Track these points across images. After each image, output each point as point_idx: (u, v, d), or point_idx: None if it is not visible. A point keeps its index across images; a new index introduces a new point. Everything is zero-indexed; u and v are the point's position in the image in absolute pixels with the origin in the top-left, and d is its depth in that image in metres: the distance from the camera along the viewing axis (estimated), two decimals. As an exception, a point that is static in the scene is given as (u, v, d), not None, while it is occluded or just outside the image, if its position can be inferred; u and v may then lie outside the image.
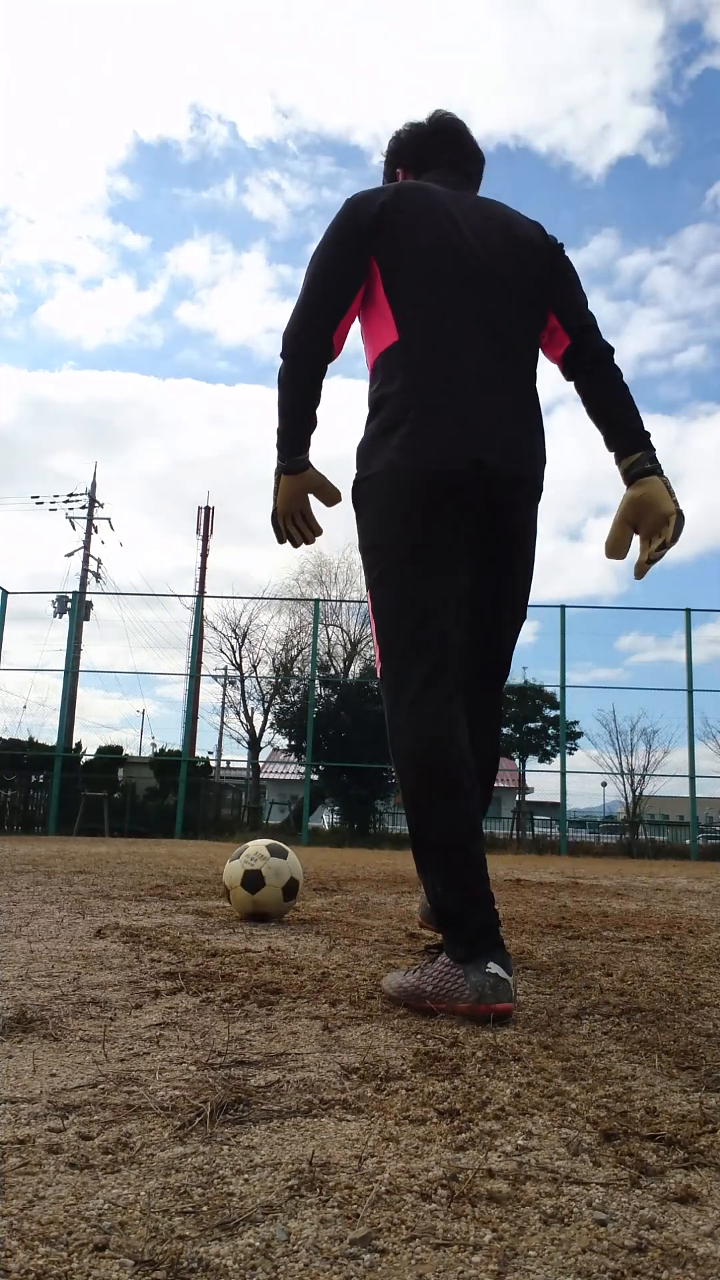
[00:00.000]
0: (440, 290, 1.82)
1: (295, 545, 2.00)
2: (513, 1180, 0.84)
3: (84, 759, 16.74)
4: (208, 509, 27.68)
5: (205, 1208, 0.76)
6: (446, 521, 1.76)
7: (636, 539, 1.82)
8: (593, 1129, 0.98)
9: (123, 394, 65.67)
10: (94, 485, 28.70)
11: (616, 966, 2.11)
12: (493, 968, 1.49)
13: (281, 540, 1.98)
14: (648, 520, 1.79)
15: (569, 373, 1.95)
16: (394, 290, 1.82)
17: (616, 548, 1.82)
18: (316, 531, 1.99)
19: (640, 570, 1.83)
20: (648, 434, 1.85)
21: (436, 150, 2.09)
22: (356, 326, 1.93)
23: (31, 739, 16.25)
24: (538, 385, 1.92)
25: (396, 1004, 1.60)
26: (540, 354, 1.96)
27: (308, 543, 2.00)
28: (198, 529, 27.41)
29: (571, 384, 1.96)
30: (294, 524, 1.96)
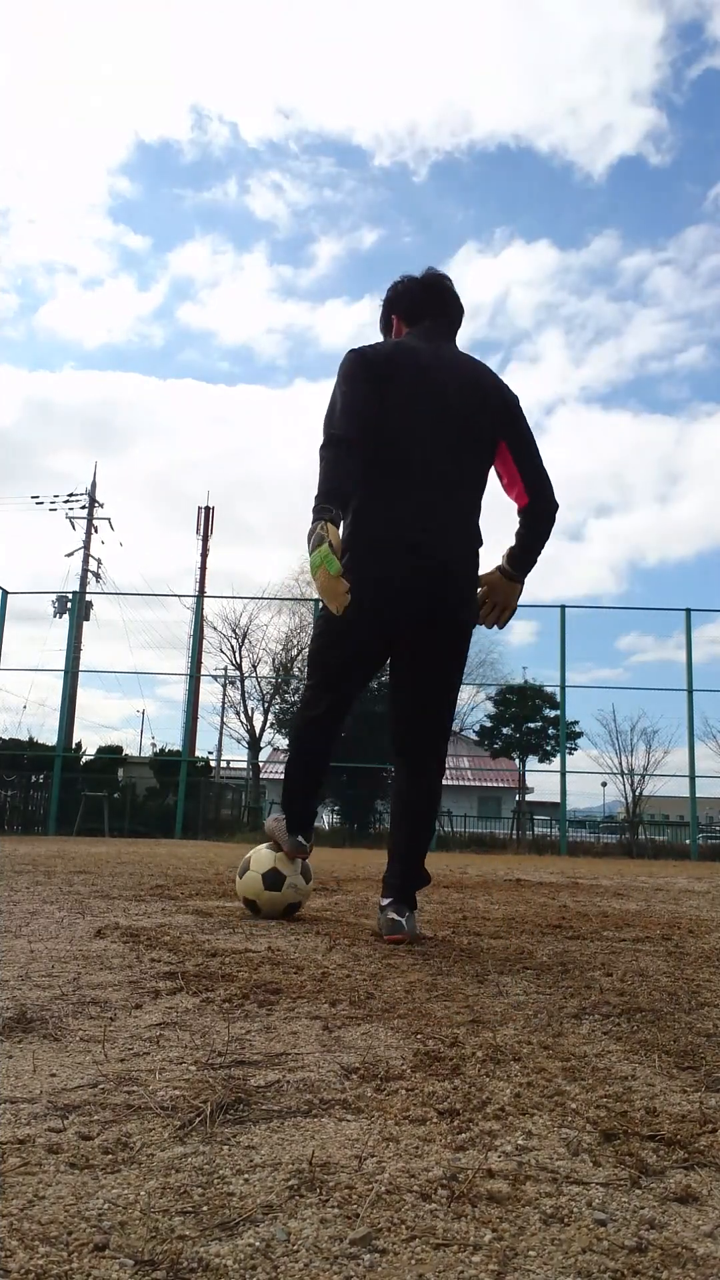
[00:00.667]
0: (413, 431, 2.43)
1: (345, 596, 2.25)
2: (513, 1180, 0.84)
3: (84, 759, 16.74)
4: (208, 509, 27.69)
5: (205, 1208, 0.76)
6: (379, 624, 2.47)
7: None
8: (593, 1129, 0.98)
9: (123, 394, 65.68)
10: (94, 485, 28.72)
11: (616, 966, 2.11)
12: (300, 839, 2.70)
13: (338, 597, 2.23)
14: (499, 596, 2.67)
15: (521, 519, 2.61)
16: (387, 415, 2.40)
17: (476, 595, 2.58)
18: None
19: (486, 622, 2.65)
20: (533, 566, 2.66)
21: (426, 305, 2.62)
22: None
23: (31, 739, 16.27)
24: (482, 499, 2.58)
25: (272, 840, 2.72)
26: (491, 482, 2.59)
27: (347, 598, 2.27)
28: (198, 529, 27.42)
29: (519, 519, 2.62)
30: (340, 589, 2.25)
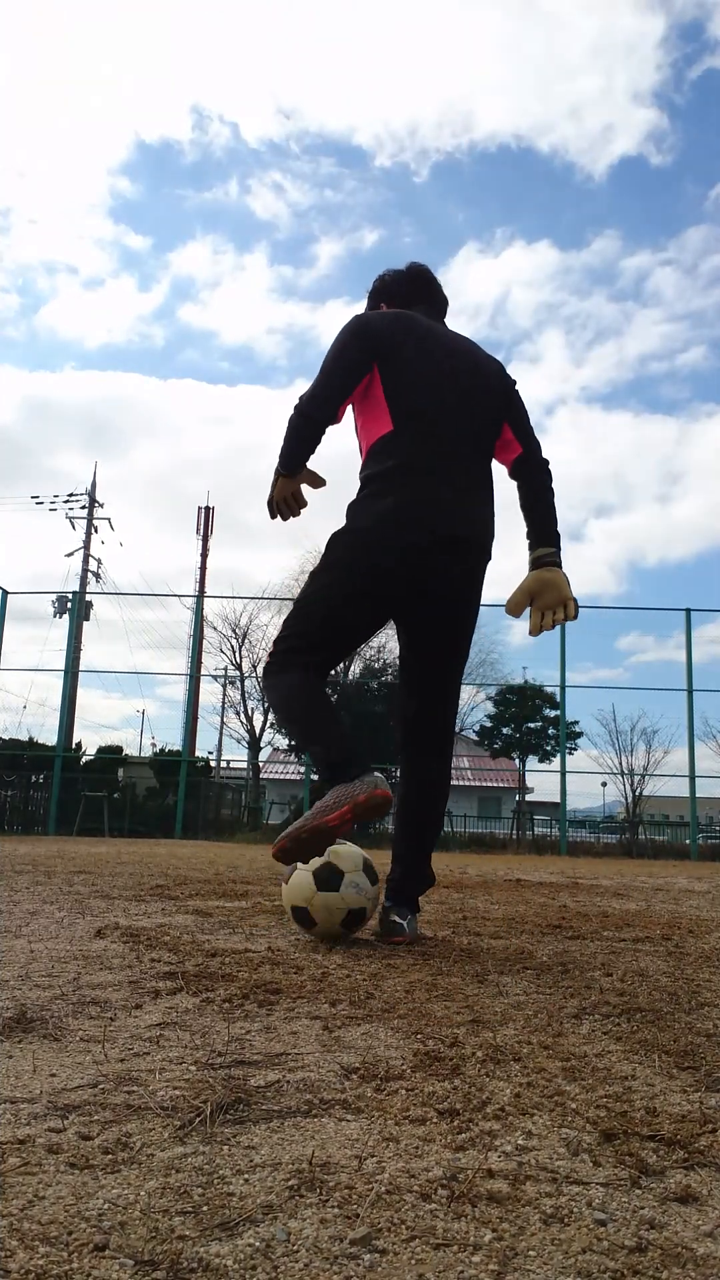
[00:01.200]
0: (424, 398, 2.37)
1: (285, 519, 2.53)
2: (513, 1180, 0.84)
3: (84, 759, 16.74)
4: (208, 509, 27.69)
5: (205, 1208, 0.76)
6: (392, 591, 2.35)
7: (530, 609, 2.42)
8: (593, 1129, 0.98)
9: (124, 394, 65.70)
10: (94, 485, 28.71)
11: (616, 966, 2.11)
12: (375, 772, 2.09)
13: (273, 516, 2.53)
14: (545, 597, 2.41)
15: (515, 475, 2.54)
16: (393, 393, 2.37)
17: (515, 609, 2.42)
18: (303, 504, 2.54)
19: (535, 631, 2.40)
20: (559, 535, 2.49)
21: (413, 295, 2.64)
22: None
23: (31, 739, 16.27)
24: (492, 474, 2.52)
25: (299, 842, 2.08)
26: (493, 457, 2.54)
27: (294, 516, 2.54)
28: (198, 529, 27.42)
29: (515, 481, 2.54)
30: (286, 504, 2.50)
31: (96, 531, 28.39)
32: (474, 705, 25.76)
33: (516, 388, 2.57)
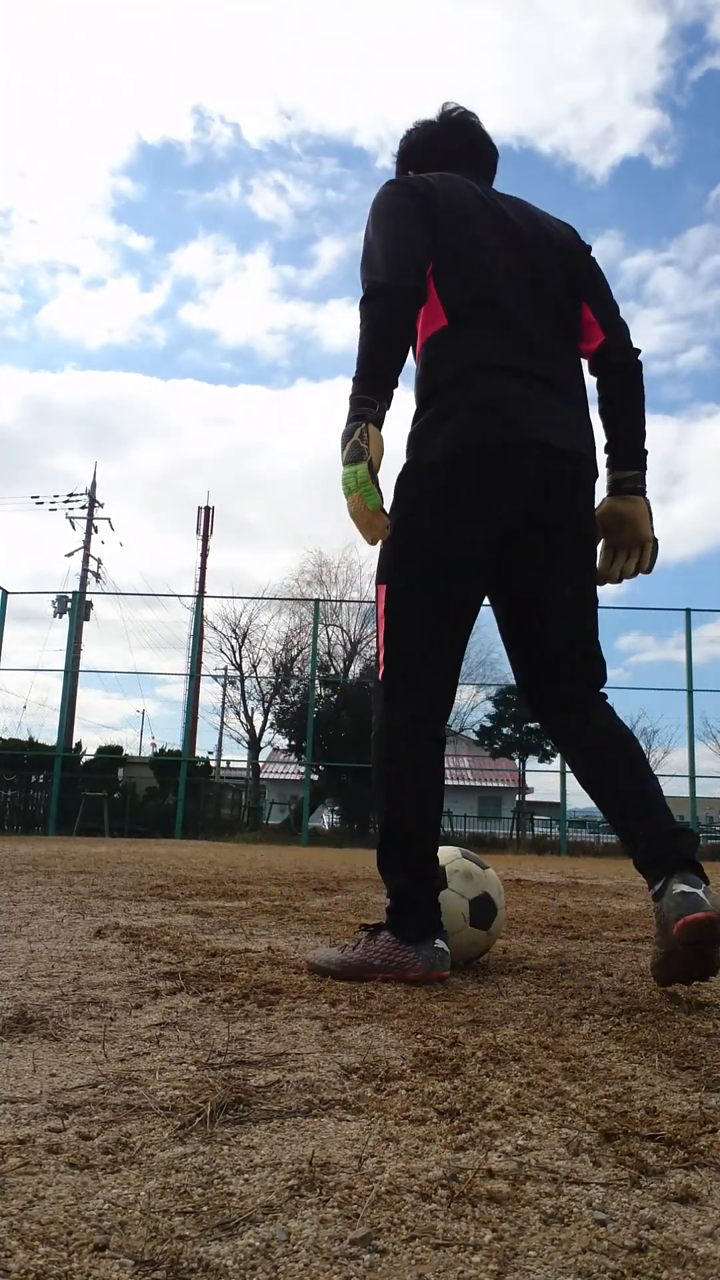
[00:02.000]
0: (486, 279, 1.84)
1: (386, 530, 1.77)
2: (513, 1180, 0.84)
3: (84, 759, 16.74)
4: (208, 509, 27.70)
5: (205, 1208, 0.76)
6: (489, 515, 1.80)
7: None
8: (593, 1129, 0.98)
9: (125, 394, 65.63)
10: (94, 485, 28.73)
11: (616, 966, 2.11)
12: (438, 943, 1.78)
13: (379, 505, 1.74)
14: (621, 535, 1.95)
15: (598, 370, 1.99)
16: (441, 277, 1.84)
17: None
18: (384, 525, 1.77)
19: (603, 579, 1.97)
20: (646, 453, 1.97)
21: (451, 151, 2.04)
22: None
23: (31, 739, 16.29)
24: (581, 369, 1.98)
25: (327, 975, 1.80)
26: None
27: (387, 532, 1.78)
28: (198, 529, 27.43)
29: (596, 378, 2.00)
30: (373, 516, 1.74)
31: (96, 531, 28.41)
32: (474, 705, 25.79)
33: (595, 260, 2.02)
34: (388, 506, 1.79)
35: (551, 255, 1.93)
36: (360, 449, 1.72)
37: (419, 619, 1.84)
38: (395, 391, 1.80)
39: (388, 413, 1.78)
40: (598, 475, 1.92)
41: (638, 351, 1.99)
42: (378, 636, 1.92)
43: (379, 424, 1.75)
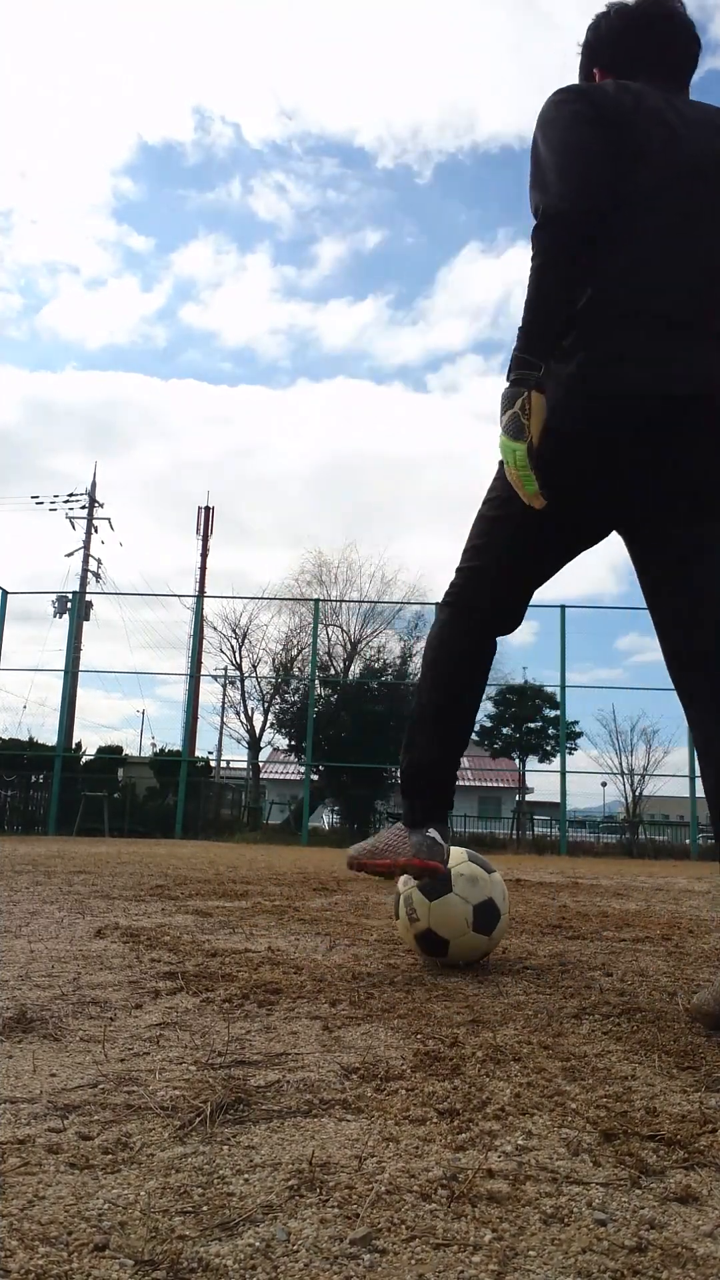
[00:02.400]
0: (663, 203, 1.61)
1: (539, 503, 1.63)
2: (513, 1180, 0.84)
3: (84, 759, 16.74)
4: (207, 509, 27.71)
5: (205, 1208, 0.76)
6: (603, 469, 1.63)
7: None
8: (593, 1129, 0.98)
9: (125, 395, 65.70)
10: (94, 485, 28.73)
11: (616, 966, 2.11)
12: (431, 833, 1.78)
13: (539, 490, 1.61)
14: None
15: None
16: (631, 190, 1.61)
17: None
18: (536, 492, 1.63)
19: None
20: None
21: (645, 48, 1.77)
22: None
23: (31, 739, 16.27)
24: None
25: (355, 864, 1.85)
26: None
27: (536, 496, 1.63)
28: (198, 529, 27.43)
29: None
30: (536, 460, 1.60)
31: (96, 531, 28.40)
32: (474, 705, 25.70)
33: None
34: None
35: None
36: (521, 425, 1.58)
37: (491, 544, 1.80)
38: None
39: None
40: None
41: None
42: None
43: (544, 389, 1.58)
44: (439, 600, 1.90)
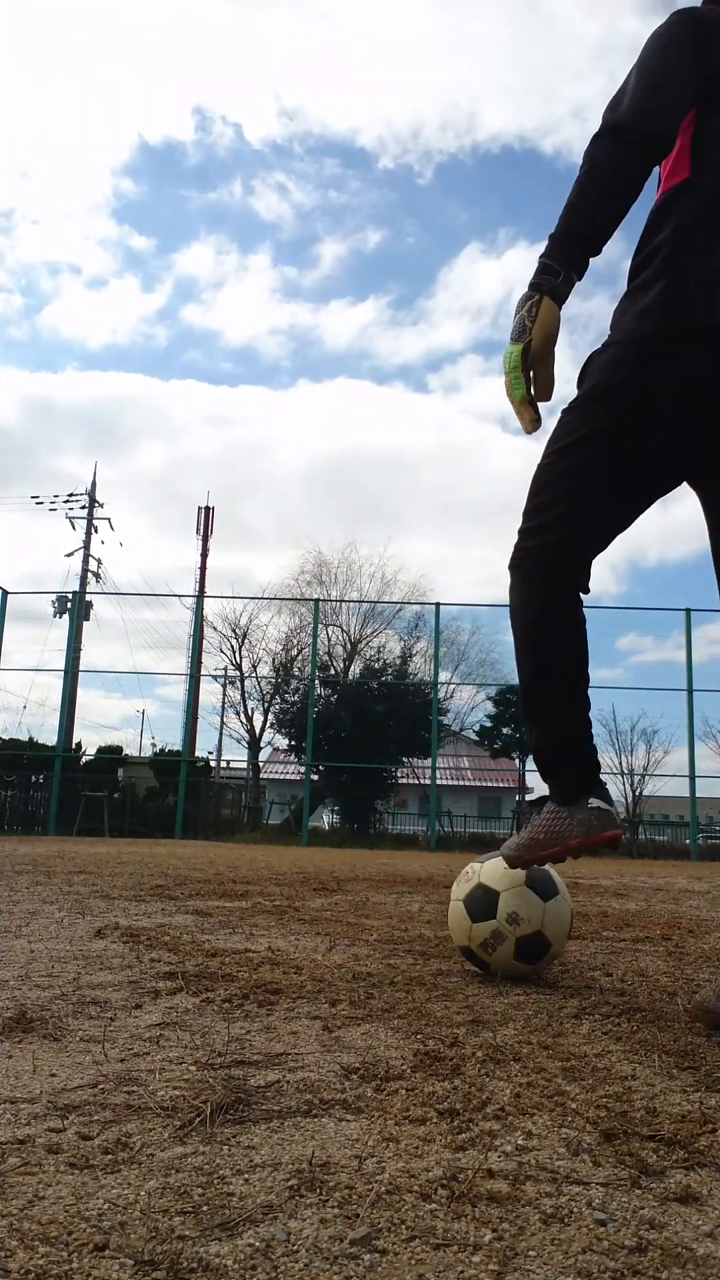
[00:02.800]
0: None
1: (533, 423, 1.58)
2: (513, 1180, 0.84)
3: (84, 759, 16.74)
4: (207, 509, 27.71)
5: (205, 1208, 0.76)
6: (686, 406, 1.52)
7: None
8: (593, 1129, 0.98)
9: (126, 395, 65.64)
10: (94, 485, 28.73)
11: (616, 966, 2.11)
12: (593, 803, 1.58)
13: (526, 395, 1.56)
14: None
15: None
16: (702, 127, 1.56)
17: None
18: (537, 413, 1.58)
19: None
20: None
21: None
22: None
23: (31, 739, 16.27)
24: None
25: (519, 863, 1.69)
26: None
27: (536, 424, 1.59)
28: (198, 529, 27.44)
29: None
30: (541, 379, 1.57)
31: (96, 531, 28.41)
32: (474, 705, 25.80)
33: None
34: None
35: None
36: (524, 326, 1.51)
37: (571, 480, 1.63)
38: (597, 258, 1.55)
39: (575, 285, 1.53)
40: None
41: None
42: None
43: (558, 297, 1.52)
44: (510, 561, 1.71)
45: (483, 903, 1.81)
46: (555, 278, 1.51)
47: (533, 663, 1.68)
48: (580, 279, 1.54)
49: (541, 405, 1.59)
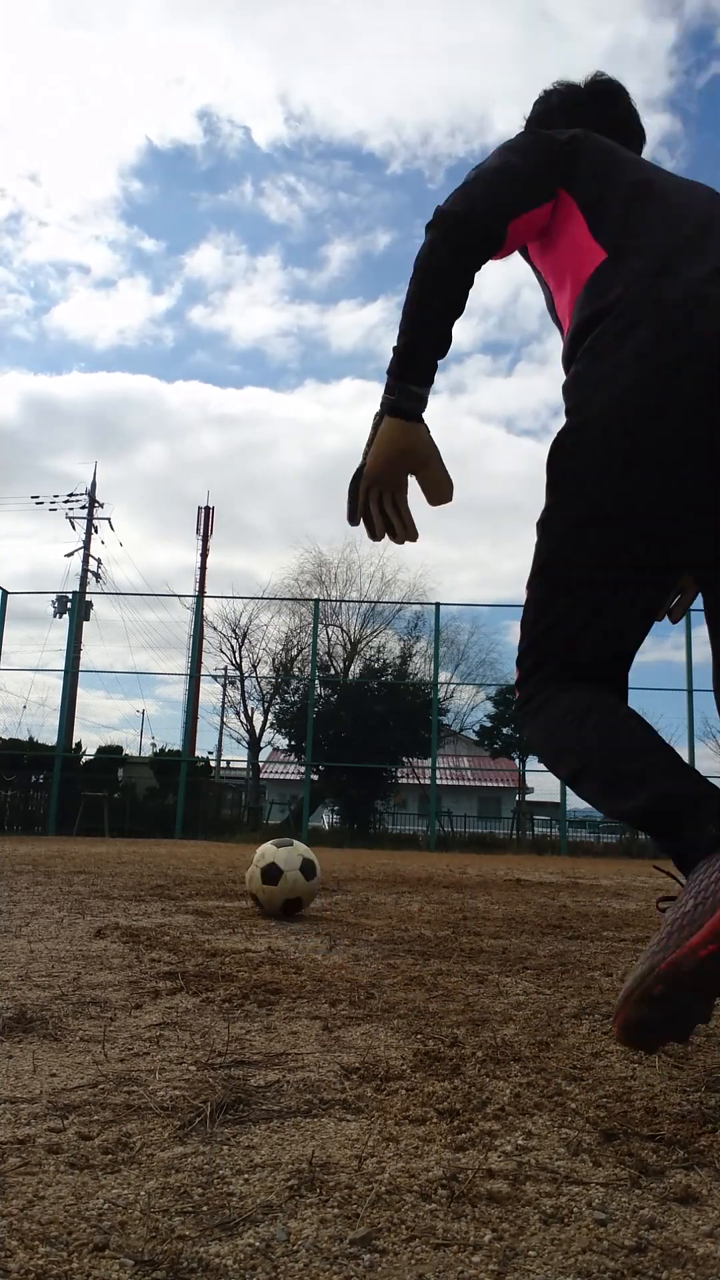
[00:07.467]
0: (655, 215, 1.42)
1: (376, 537, 1.46)
2: (513, 1180, 0.84)
3: (84, 759, 16.74)
4: (208, 509, 27.72)
5: (205, 1208, 0.76)
6: (688, 471, 1.28)
7: None
8: (593, 1129, 0.98)
9: (131, 396, 65.66)
10: (94, 485, 28.74)
11: (616, 966, 2.11)
12: None
13: (356, 519, 1.46)
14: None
15: None
16: (598, 218, 1.46)
17: None
18: (410, 530, 1.46)
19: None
20: None
21: (596, 121, 1.69)
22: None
23: (31, 739, 16.27)
24: None
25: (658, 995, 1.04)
26: None
27: (394, 538, 1.46)
28: (198, 529, 27.44)
29: None
30: (386, 504, 1.44)
31: (96, 531, 28.41)
32: (474, 705, 25.80)
33: None
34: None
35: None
36: (363, 455, 1.42)
37: (575, 590, 1.39)
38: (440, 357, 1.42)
39: (423, 393, 1.41)
40: None
41: None
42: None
43: (396, 412, 1.40)
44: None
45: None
46: (391, 395, 1.40)
47: (587, 775, 1.35)
48: (429, 388, 1.42)
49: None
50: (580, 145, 1.54)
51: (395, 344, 1.42)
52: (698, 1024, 1.04)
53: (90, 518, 28.36)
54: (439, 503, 1.45)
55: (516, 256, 1.72)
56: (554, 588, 1.40)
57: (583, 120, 1.69)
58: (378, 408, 1.42)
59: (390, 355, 1.42)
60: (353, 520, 1.46)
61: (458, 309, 1.43)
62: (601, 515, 1.33)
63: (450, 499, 1.44)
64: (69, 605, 18.56)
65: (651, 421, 1.28)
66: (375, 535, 1.46)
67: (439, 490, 1.43)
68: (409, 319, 1.41)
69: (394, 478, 1.42)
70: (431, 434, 1.43)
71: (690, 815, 1.16)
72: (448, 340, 1.43)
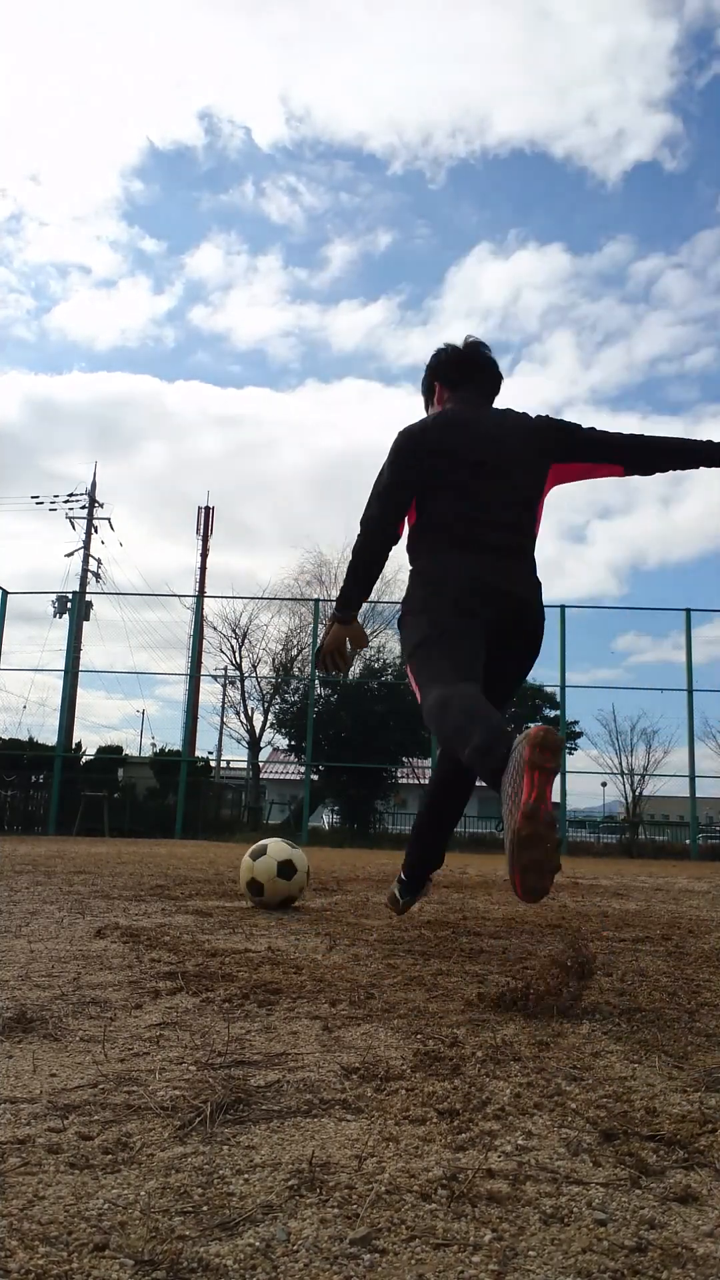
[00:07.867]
0: (453, 484, 2.40)
1: (330, 673, 2.64)
2: (513, 1180, 0.84)
3: (84, 759, 16.73)
4: (208, 509, 27.70)
5: (205, 1208, 0.76)
6: (470, 623, 2.29)
7: None
8: (593, 1129, 0.98)
9: (131, 396, 65.67)
10: (94, 485, 28.72)
11: (616, 966, 2.11)
12: (508, 731, 1.86)
13: (321, 668, 2.63)
14: None
15: (642, 470, 2.54)
16: (423, 492, 2.43)
17: None
18: (348, 665, 2.65)
19: None
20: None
21: (467, 372, 2.66)
22: None
23: (31, 739, 16.25)
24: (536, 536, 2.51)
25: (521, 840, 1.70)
26: (542, 511, 2.52)
27: (340, 672, 2.65)
28: (198, 529, 27.42)
29: (649, 476, 2.59)
30: (333, 658, 2.59)
31: (96, 531, 28.39)
32: (474, 705, 25.69)
33: (569, 426, 2.52)
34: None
35: (521, 446, 2.46)
36: (321, 639, 2.44)
37: (442, 657, 2.28)
38: (369, 584, 2.50)
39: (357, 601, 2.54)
40: (544, 619, 2.48)
41: (644, 437, 2.49)
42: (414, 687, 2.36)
43: (341, 622, 2.54)
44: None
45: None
46: (339, 613, 2.55)
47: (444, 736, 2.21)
48: (359, 608, 2.58)
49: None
50: (429, 437, 2.47)
51: (342, 590, 2.53)
52: (557, 840, 1.70)
53: (90, 518, 28.35)
54: (358, 649, 2.62)
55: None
56: (433, 665, 2.30)
57: (459, 368, 2.66)
58: (331, 615, 2.58)
59: (339, 594, 2.56)
60: (318, 669, 2.69)
61: (379, 569, 2.49)
62: (447, 623, 2.34)
63: (366, 645, 2.63)
64: (69, 605, 18.55)
65: (436, 607, 2.39)
66: (330, 673, 2.64)
67: (359, 645, 2.60)
68: (350, 578, 2.49)
69: (339, 648, 2.58)
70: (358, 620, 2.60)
71: (496, 747, 1.83)
72: (371, 583, 2.51)
